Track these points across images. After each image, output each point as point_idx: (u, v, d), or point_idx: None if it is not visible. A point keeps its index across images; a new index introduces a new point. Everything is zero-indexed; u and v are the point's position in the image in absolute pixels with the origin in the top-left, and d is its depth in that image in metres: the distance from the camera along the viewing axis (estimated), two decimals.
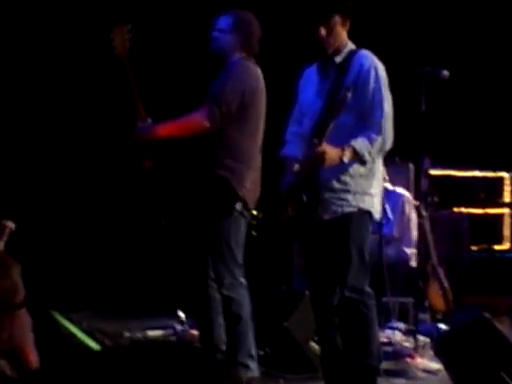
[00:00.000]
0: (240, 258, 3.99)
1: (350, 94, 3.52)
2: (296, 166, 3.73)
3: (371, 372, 3.75)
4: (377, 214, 3.81)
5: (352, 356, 3.70)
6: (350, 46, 3.83)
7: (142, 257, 7.77)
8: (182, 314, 5.55)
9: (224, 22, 4.11)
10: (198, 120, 3.91)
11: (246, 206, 4.00)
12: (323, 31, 3.73)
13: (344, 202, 3.69)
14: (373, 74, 3.69)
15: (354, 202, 3.70)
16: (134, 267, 7.71)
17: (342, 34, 3.78)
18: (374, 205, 3.78)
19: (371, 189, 3.75)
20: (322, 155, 3.53)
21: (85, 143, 7.54)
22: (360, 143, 3.61)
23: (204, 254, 4.04)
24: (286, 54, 5.70)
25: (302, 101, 3.92)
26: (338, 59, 3.77)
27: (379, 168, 3.81)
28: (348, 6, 3.78)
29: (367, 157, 3.63)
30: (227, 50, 4.06)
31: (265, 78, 4.14)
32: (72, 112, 7.54)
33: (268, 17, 4.21)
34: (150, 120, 4.01)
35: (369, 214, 3.76)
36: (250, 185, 4.01)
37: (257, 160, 4.06)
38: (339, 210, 3.69)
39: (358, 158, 3.62)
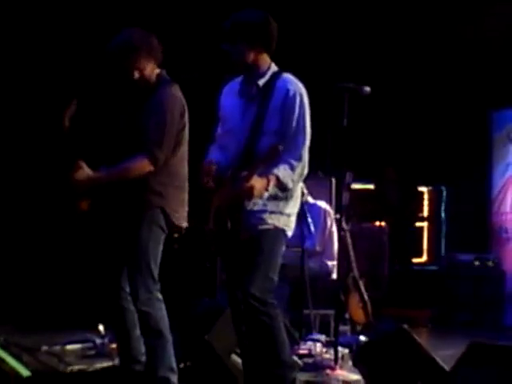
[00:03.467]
0: (156, 273, 3.98)
1: (281, 148, 3.62)
2: (214, 167, 3.78)
3: (285, 382, 3.79)
4: (290, 232, 3.91)
5: (265, 367, 3.74)
6: (273, 68, 3.88)
7: (62, 270, 7.65)
8: (101, 328, 5.49)
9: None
10: (143, 166, 3.89)
11: (168, 222, 3.99)
12: (247, 54, 3.79)
13: (260, 221, 3.79)
14: (298, 100, 3.76)
15: (269, 221, 3.80)
16: (53, 280, 7.59)
17: (265, 56, 3.84)
18: (289, 223, 3.89)
19: (287, 209, 3.86)
20: (251, 190, 3.62)
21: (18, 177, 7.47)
22: (283, 172, 3.71)
23: (119, 265, 4.01)
24: (206, 70, 5.72)
25: (226, 119, 3.95)
26: (262, 81, 3.82)
27: (296, 190, 3.90)
28: (268, 32, 3.82)
29: (290, 184, 3.75)
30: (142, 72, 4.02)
31: (185, 92, 4.13)
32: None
33: (189, 33, 4.19)
34: (85, 166, 3.93)
35: (283, 232, 3.86)
36: (179, 206, 4.02)
37: (186, 179, 4.06)
38: (256, 227, 3.79)
39: (282, 186, 3.73)
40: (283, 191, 3.77)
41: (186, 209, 4.07)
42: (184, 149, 4.04)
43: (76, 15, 7.35)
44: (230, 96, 3.95)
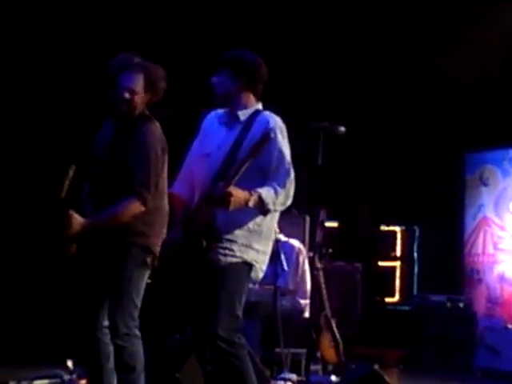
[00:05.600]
0: (137, 310, 3.95)
1: (272, 135, 3.60)
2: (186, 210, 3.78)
3: None
4: (260, 272, 3.84)
5: None
6: (257, 106, 3.93)
7: (30, 305, 7.57)
8: (70, 364, 5.42)
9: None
10: (134, 208, 3.88)
11: (153, 259, 3.99)
12: (232, 89, 3.84)
13: (228, 251, 3.74)
14: (278, 131, 3.78)
15: (238, 253, 3.75)
16: (22, 314, 7.50)
17: (250, 95, 3.89)
18: (259, 260, 3.82)
19: (256, 244, 3.80)
20: (229, 196, 3.56)
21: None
22: (266, 192, 3.67)
23: (100, 297, 3.98)
24: (186, 103, 5.74)
25: (204, 145, 3.95)
26: (243, 117, 3.86)
27: (270, 226, 3.86)
28: (257, 73, 3.87)
29: (271, 206, 3.68)
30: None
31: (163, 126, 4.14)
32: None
33: (172, 66, 4.20)
34: (76, 216, 3.89)
35: (250, 267, 3.79)
36: (159, 238, 4.01)
37: (167, 213, 4.05)
38: (223, 258, 3.73)
39: (263, 205, 3.67)
40: (262, 212, 3.70)
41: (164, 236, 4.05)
42: (164, 183, 4.04)
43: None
44: (212, 123, 3.98)
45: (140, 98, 3.97)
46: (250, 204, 3.62)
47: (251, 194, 3.61)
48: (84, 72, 7.35)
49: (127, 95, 3.95)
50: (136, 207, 3.88)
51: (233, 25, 7.76)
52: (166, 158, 4.02)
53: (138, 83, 3.96)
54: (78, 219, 3.87)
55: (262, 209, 3.69)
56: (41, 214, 4.20)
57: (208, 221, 3.70)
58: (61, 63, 7.64)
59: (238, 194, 3.58)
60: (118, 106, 3.99)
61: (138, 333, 3.93)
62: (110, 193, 3.93)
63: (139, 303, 3.95)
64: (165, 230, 4.02)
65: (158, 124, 4.04)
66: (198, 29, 7.80)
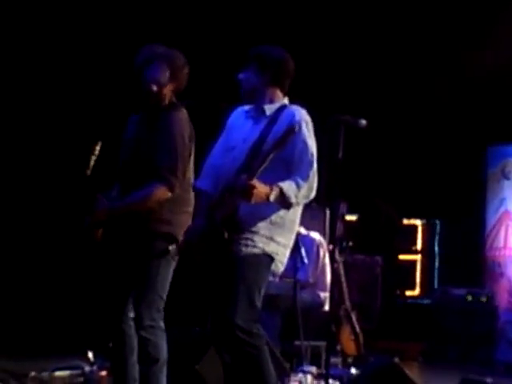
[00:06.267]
0: (162, 302, 3.96)
1: (297, 128, 3.60)
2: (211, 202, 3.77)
3: None
4: (280, 264, 3.83)
5: None
6: (284, 101, 3.93)
7: (52, 297, 7.62)
8: (91, 355, 5.44)
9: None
10: (161, 193, 3.89)
11: (178, 249, 3.99)
12: (259, 85, 3.84)
13: (250, 242, 3.73)
14: (304, 124, 3.78)
15: (260, 244, 3.74)
16: (42, 306, 7.55)
17: (277, 91, 3.89)
18: (279, 253, 3.81)
19: (279, 237, 3.79)
20: (252, 188, 3.55)
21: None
22: (288, 186, 3.66)
23: (126, 290, 3.99)
24: (209, 96, 5.75)
25: (229, 139, 3.95)
26: (269, 111, 3.86)
27: (292, 219, 3.85)
28: (284, 68, 3.88)
29: (293, 199, 3.67)
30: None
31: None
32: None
33: (195, 61, 4.22)
34: (103, 200, 3.92)
35: (271, 259, 3.79)
36: (184, 228, 4.00)
37: (192, 204, 4.06)
38: (244, 249, 3.72)
39: (284, 199, 3.66)
40: (285, 206, 3.69)
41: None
42: (190, 174, 4.05)
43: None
44: (237, 117, 3.99)
45: (167, 88, 4.01)
46: (271, 198, 3.61)
47: (272, 188, 3.60)
48: (113, 60, 7.39)
49: (155, 88, 3.98)
50: (163, 192, 3.89)
51: (258, 20, 7.76)
52: (193, 146, 4.03)
53: (164, 74, 3.99)
54: (104, 201, 3.89)
55: (284, 203, 3.68)
56: (67, 195, 4.20)
57: (231, 212, 3.69)
58: (90, 51, 7.71)
59: (260, 187, 3.57)
60: (147, 99, 4.01)
61: (162, 325, 3.94)
62: (137, 180, 3.93)
63: (165, 295, 3.96)
64: (190, 217, 4.01)
65: (185, 111, 4.05)
66: (223, 24, 7.80)
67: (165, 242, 3.94)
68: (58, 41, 7.66)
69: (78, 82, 7.77)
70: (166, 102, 4.04)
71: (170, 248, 3.90)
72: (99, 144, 3.93)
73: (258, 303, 3.73)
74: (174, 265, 4.00)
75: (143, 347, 3.92)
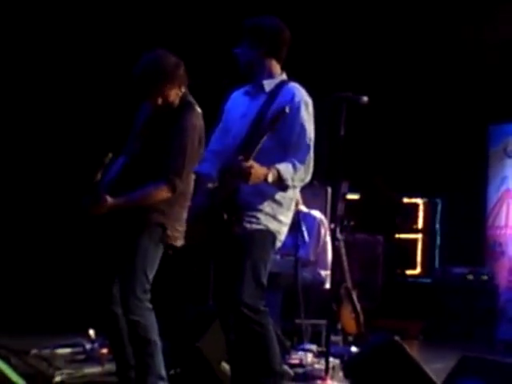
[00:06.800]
0: (148, 284, 3.97)
1: (288, 110, 3.56)
2: (210, 185, 3.76)
3: None
4: (279, 242, 3.85)
5: (255, 376, 3.70)
6: (283, 76, 3.89)
7: (53, 273, 7.64)
8: (92, 332, 5.46)
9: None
10: (162, 193, 3.94)
11: (167, 237, 4.00)
12: (256, 57, 3.80)
13: (254, 219, 3.73)
14: (303, 107, 3.75)
15: (264, 221, 3.74)
16: (44, 283, 7.57)
17: (274, 62, 3.85)
18: (281, 231, 3.83)
19: (281, 216, 3.80)
20: (249, 170, 3.54)
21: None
22: (285, 168, 3.65)
23: (113, 272, 4.01)
24: (213, 76, 5.73)
25: (227, 120, 3.94)
26: (268, 87, 3.82)
27: (292, 197, 3.86)
28: (279, 39, 3.83)
29: (289, 182, 3.67)
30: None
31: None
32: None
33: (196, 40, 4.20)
34: (108, 198, 3.91)
35: (273, 236, 3.79)
36: (180, 225, 4.02)
37: (191, 196, 4.06)
38: (248, 226, 3.72)
39: (281, 181, 3.66)
40: (281, 189, 3.70)
41: (184, 227, 4.04)
42: (195, 164, 4.05)
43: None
44: (235, 99, 3.97)
45: (171, 93, 4.02)
46: (269, 179, 3.61)
47: (269, 169, 3.59)
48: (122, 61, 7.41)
49: (160, 100, 4.01)
50: (164, 193, 3.95)
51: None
52: (203, 149, 4.04)
53: (163, 85, 3.98)
54: (108, 200, 3.91)
55: (281, 185, 3.68)
56: (73, 193, 4.23)
57: (229, 194, 3.69)
58: (97, 51, 7.73)
59: (258, 168, 3.56)
60: (154, 105, 4.04)
61: (149, 305, 3.95)
62: (142, 175, 3.97)
63: (151, 277, 3.97)
64: (185, 212, 4.02)
65: (199, 111, 4.06)
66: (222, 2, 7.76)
67: (156, 227, 3.97)
68: (68, 52, 7.75)
69: (89, 92, 7.84)
70: (177, 102, 4.06)
71: (162, 236, 3.93)
72: (109, 156, 3.94)
73: (264, 280, 3.73)
74: (161, 250, 4.01)
75: (133, 330, 3.93)
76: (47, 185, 7.82)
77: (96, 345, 5.36)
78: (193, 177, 4.03)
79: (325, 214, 6.58)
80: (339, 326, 6.24)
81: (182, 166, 3.95)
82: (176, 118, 4.01)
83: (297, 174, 3.67)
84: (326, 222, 6.44)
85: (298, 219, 5.81)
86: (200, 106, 4.13)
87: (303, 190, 4.08)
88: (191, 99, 4.12)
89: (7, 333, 5.69)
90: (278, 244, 3.85)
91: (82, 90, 7.89)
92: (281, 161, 3.66)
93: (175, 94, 4.05)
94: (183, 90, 4.08)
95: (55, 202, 7.69)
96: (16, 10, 7.44)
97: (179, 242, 4.07)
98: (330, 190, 6.65)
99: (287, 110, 3.55)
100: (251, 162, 3.54)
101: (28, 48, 7.67)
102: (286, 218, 3.84)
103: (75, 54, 7.77)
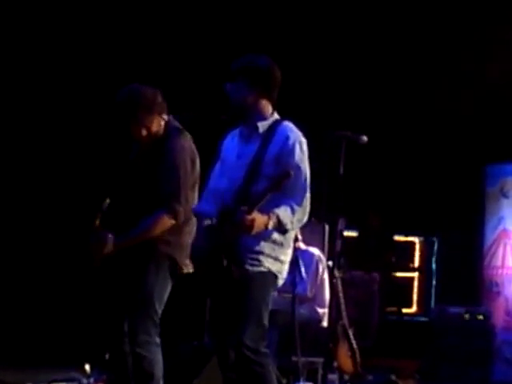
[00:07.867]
0: (158, 317, 3.95)
1: (292, 173, 3.62)
2: (208, 221, 3.78)
3: None
4: (281, 280, 3.88)
5: None
6: (275, 116, 3.91)
7: (50, 309, 7.61)
8: (87, 367, 5.43)
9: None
10: (164, 222, 3.92)
11: (177, 268, 4.00)
12: (247, 96, 3.82)
13: (256, 262, 3.76)
14: (297, 147, 3.79)
15: (266, 264, 3.78)
16: (40, 318, 7.53)
17: (265, 102, 3.87)
18: (282, 271, 3.87)
19: (282, 255, 3.84)
20: (252, 223, 3.59)
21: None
22: (283, 212, 3.70)
23: (123, 310, 3.98)
24: (208, 109, 5.76)
25: (223, 161, 3.97)
26: (262, 129, 3.85)
27: (291, 236, 3.90)
28: (271, 78, 3.86)
29: (289, 226, 3.73)
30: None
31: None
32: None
33: (192, 73, 4.23)
34: (110, 238, 3.93)
35: (275, 277, 3.82)
36: (186, 249, 4.01)
37: (195, 224, 4.06)
38: (250, 268, 3.75)
39: (281, 226, 3.71)
40: (281, 232, 3.74)
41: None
42: (195, 194, 4.06)
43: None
44: (230, 138, 4.00)
45: (153, 123, 4.02)
46: (270, 226, 3.67)
47: (270, 217, 3.65)
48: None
49: (144, 132, 4.02)
50: (167, 221, 3.91)
51: (248, 32, 7.76)
52: (198, 170, 4.03)
53: (144, 118, 4.01)
54: (111, 240, 3.89)
55: (281, 229, 3.73)
56: (75, 234, 4.25)
57: (230, 243, 3.71)
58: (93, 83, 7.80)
59: (259, 219, 3.62)
60: (140, 139, 4.05)
61: (158, 340, 3.94)
62: (137, 209, 3.95)
63: (160, 310, 3.95)
64: (190, 238, 4.01)
65: (186, 135, 4.06)
66: (213, 35, 7.82)
67: (164, 259, 3.96)
68: (69, 84, 7.81)
69: (82, 134, 7.90)
70: (162, 130, 4.06)
71: (171, 268, 3.92)
72: (107, 201, 3.95)
73: (266, 321, 3.76)
74: (171, 282, 4.00)
75: (138, 364, 3.91)
76: (51, 218, 7.81)
77: (92, 380, 5.34)
78: (195, 201, 4.03)
79: (322, 250, 6.59)
80: (335, 365, 6.20)
81: (177, 187, 3.92)
82: (165, 145, 4.00)
83: (295, 216, 3.73)
84: (324, 259, 6.45)
85: (295, 256, 5.81)
86: (198, 141, 4.14)
87: (301, 227, 4.09)
88: (177, 125, 4.12)
89: (4, 366, 5.66)
90: (280, 282, 3.87)
91: (75, 133, 7.91)
92: (278, 202, 3.70)
93: (157, 123, 4.04)
94: (165, 117, 4.08)
95: (56, 243, 7.68)
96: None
97: (190, 268, 4.04)
98: (327, 227, 6.67)
99: (291, 173, 3.61)
100: (254, 216, 3.58)
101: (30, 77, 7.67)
102: (287, 256, 3.88)
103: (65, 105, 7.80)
